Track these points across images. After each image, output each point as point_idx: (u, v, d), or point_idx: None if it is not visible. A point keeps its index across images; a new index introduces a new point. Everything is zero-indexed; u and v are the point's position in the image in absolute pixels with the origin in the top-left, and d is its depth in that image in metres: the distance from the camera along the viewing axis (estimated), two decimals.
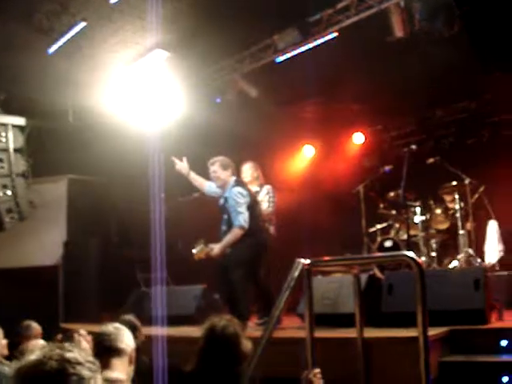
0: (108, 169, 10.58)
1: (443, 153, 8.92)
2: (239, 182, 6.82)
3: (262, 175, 7.72)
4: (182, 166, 7.01)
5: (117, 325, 3.56)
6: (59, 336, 4.26)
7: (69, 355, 1.72)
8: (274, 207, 7.57)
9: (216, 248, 6.55)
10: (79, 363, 1.72)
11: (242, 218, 6.45)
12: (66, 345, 1.76)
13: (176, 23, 8.31)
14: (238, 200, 6.51)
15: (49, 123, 10.62)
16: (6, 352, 5.07)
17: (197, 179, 7.10)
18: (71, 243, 10.42)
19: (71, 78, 9.42)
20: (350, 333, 4.49)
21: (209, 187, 7.04)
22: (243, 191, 6.61)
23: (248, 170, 7.58)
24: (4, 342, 5.09)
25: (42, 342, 3.97)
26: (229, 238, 6.51)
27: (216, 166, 6.74)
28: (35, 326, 5.95)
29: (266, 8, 7.89)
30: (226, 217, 6.66)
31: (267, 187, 7.62)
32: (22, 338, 5.34)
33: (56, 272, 10.32)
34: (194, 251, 6.67)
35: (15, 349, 4.08)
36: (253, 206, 6.70)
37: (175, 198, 9.07)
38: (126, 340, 3.41)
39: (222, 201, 6.76)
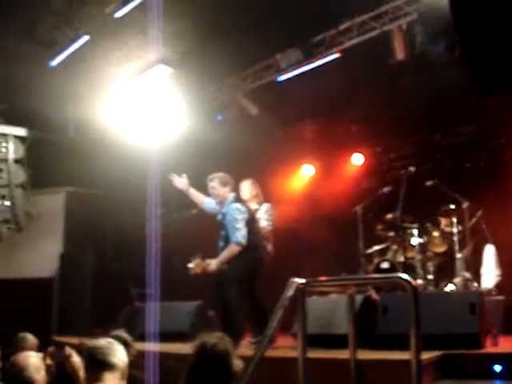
0: (107, 182, 10.60)
1: (441, 176, 8.92)
2: (238, 199, 6.82)
3: (261, 193, 7.72)
4: (182, 182, 7.02)
5: (110, 339, 3.54)
6: (51, 348, 4.23)
7: None
8: (273, 225, 7.57)
9: (213, 263, 6.54)
10: None
11: (240, 235, 6.44)
12: None
13: (179, 40, 8.36)
14: (236, 216, 6.51)
15: (49, 135, 10.65)
16: None
17: (196, 195, 7.10)
18: (67, 256, 10.41)
19: (73, 90, 9.46)
20: (344, 354, 4.46)
21: (208, 203, 7.04)
22: (241, 207, 6.61)
23: (247, 188, 7.59)
24: None
25: (32, 353, 3.94)
26: (226, 253, 6.50)
27: (215, 182, 6.75)
28: (31, 338, 5.92)
29: (269, 27, 7.95)
30: (223, 233, 6.66)
31: (266, 205, 7.62)
32: (18, 350, 5.32)
33: (51, 284, 10.30)
34: (190, 266, 6.65)
35: (7, 360, 4.04)
36: (251, 222, 6.69)
37: (172, 213, 9.07)
38: (119, 355, 3.39)
39: (220, 216, 6.75)
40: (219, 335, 3.62)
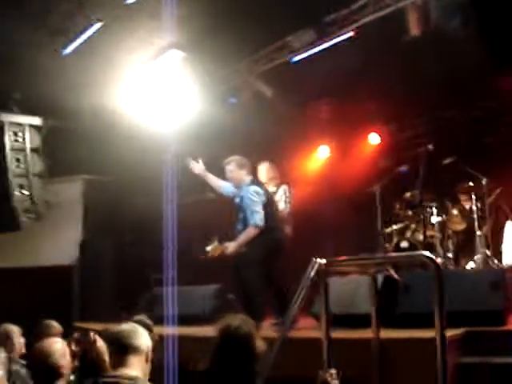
0: (123, 169, 10.61)
1: (460, 153, 8.83)
2: (255, 181, 6.83)
3: (278, 175, 7.70)
4: (198, 166, 7.02)
5: (132, 324, 3.56)
6: (76, 334, 4.27)
7: None
8: (291, 207, 7.55)
9: (231, 246, 6.55)
10: None
11: (258, 217, 6.44)
12: None
13: (191, 23, 8.31)
14: (254, 199, 6.50)
15: (65, 123, 10.68)
16: (23, 351, 5.10)
17: (213, 179, 7.11)
18: (86, 243, 10.48)
19: (87, 78, 9.45)
20: (366, 333, 4.45)
21: (225, 187, 7.04)
22: (259, 190, 6.61)
23: (264, 171, 7.58)
24: (21, 340, 5.12)
25: (57, 339, 3.97)
26: (244, 236, 6.51)
27: (232, 166, 6.75)
28: (55, 325, 5.98)
29: (282, 8, 7.87)
30: (241, 216, 6.66)
31: (284, 187, 7.61)
32: (42, 337, 5.37)
33: (71, 271, 10.38)
34: (207, 249, 6.68)
35: (31, 347, 4.08)
36: (269, 205, 6.68)
37: (190, 197, 9.06)
38: (142, 338, 3.41)
39: (237, 200, 6.75)
40: (243, 317, 3.63)
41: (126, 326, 3.47)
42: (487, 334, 4.99)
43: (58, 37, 8.53)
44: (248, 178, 6.75)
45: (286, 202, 7.50)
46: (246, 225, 6.56)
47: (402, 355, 4.54)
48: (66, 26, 8.45)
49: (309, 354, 4.48)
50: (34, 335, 5.51)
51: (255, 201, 6.50)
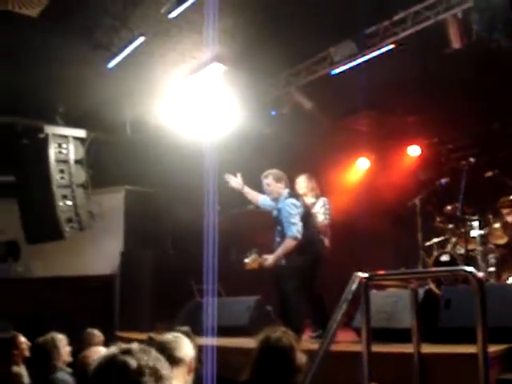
0: (165, 180, 10.76)
1: (501, 166, 8.74)
2: (292, 194, 6.87)
3: (318, 187, 7.72)
4: (236, 181, 7.09)
5: (176, 334, 3.61)
6: (119, 344, 4.34)
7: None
8: (330, 219, 7.56)
9: (270, 259, 6.59)
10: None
11: (296, 229, 6.47)
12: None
13: (233, 37, 8.41)
14: (291, 211, 6.54)
15: (107, 135, 10.88)
16: (69, 359, 5.20)
17: (251, 193, 7.17)
18: (128, 253, 10.62)
19: (129, 91, 9.64)
20: (407, 348, 4.44)
21: (263, 200, 7.09)
22: (296, 202, 6.65)
23: (303, 182, 7.61)
24: (67, 348, 5.22)
25: (102, 348, 4.05)
26: (282, 248, 6.54)
27: (269, 179, 6.81)
28: (98, 334, 6.10)
29: (322, 20, 7.92)
30: (279, 228, 6.70)
31: (323, 199, 7.62)
32: (85, 345, 5.48)
33: (113, 281, 10.54)
34: (246, 261, 6.74)
35: (77, 356, 4.18)
36: (306, 217, 6.73)
37: (230, 209, 9.13)
38: (185, 349, 3.45)
39: (275, 212, 6.80)
40: (283, 329, 3.66)
41: (170, 336, 3.52)
42: None
43: (102, 51, 8.70)
44: (286, 191, 6.81)
45: (325, 214, 7.51)
46: (283, 237, 6.60)
47: (443, 371, 4.51)
48: (110, 40, 8.62)
49: (349, 368, 4.48)
50: (78, 344, 5.64)
51: (292, 213, 6.54)
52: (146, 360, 1.82)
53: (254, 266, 6.77)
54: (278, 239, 6.74)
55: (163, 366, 1.84)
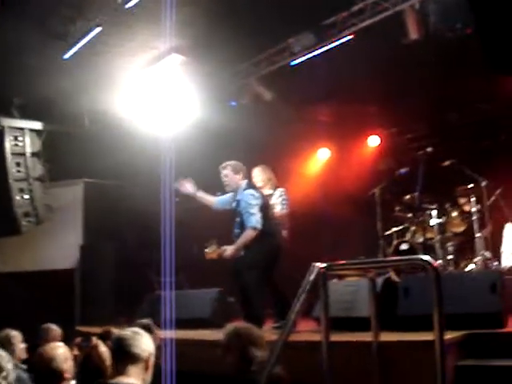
0: (123, 172, 10.65)
1: (459, 155, 8.86)
2: (251, 185, 6.86)
3: (275, 178, 7.71)
4: (188, 186, 7.01)
5: (135, 329, 3.55)
6: (78, 339, 4.29)
7: None
8: (288, 210, 7.56)
9: (229, 249, 6.56)
10: None
11: (255, 219, 6.45)
12: None
13: (191, 27, 8.35)
14: (250, 202, 6.52)
15: (65, 127, 10.71)
16: (24, 356, 5.11)
17: (204, 198, 7.11)
18: (87, 246, 10.50)
19: (87, 82, 9.50)
20: (366, 337, 4.47)
21: (217, 203, 7.08)
22: (255, 193, 6.64)
23: (259, 174, 7.57)
24: (22, 345, 5.13)
25: (60, 344, 3.98)
26: (241, 239, 6.52)
27: (228, 170, 6.78)
28: (55, 328, 5.99)
29: (281, 12, 7.91)
30: (238, 220, 6.67)
31: (280, 190, 7.62)
32: (42, 341, 5.39)
33: (72, 275, 10.42)
34: (206, 250, 6.71)
35: (33, 352, 4.10)
36: (265, 208, 6.71)
37: (189, 201, 9.08)
38: (143, 345, 3.39)
39: (234, 204, 6.78)
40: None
41: (127, 332, 3.47)
42: (486, 337, 4.99)
43: (58, 41, 8.55)
44: (244, 182, 6.78)
45: (282, 204, 7.51)
46: (243, 228, 6.57)
47: (402, 358, 4.55)
48: (66, 30, 8.49)
49: (309, 358, 4.50)
50: (36, 339, 5.54)
51: (252, 204, 6.51)
52: None
53: (213, 255, 6.75)
54: (237, 230, 6.71)
55: (4, 358, 1.89)
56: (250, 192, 6.61)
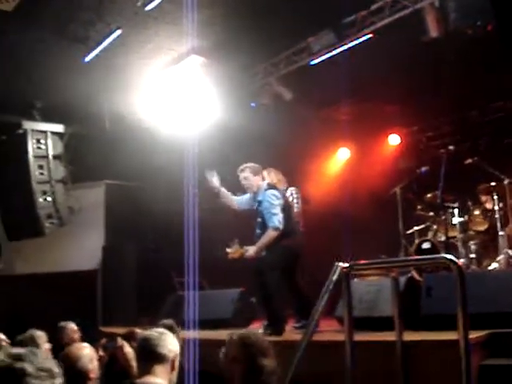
0: (144, 173, 10.70)
1: (481, 153, 8.81)
2: (272, 185, 6.82)
3: (283, 178, 7.69)
4: (214, 179, 6.93)
5: (160, 329, 3.57)
6: (103, 340, 4.32)
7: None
8: (299, 208, 7.57)
9: (251, 249, 6.55)
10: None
11: (277, 219, 6.43)
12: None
13: (211, 29, 8.37)
14: (272, 202, 6.49)
15: (86, 129, 10.78)
16: (49, 356, 5.15)
17: (226, 196, 7.05)
18: (109, 248, 10.56)
19: (107, 84, 9.56)
20: (389, 336, 4.46)
21: (238, 201, 7.02)
22: (277, 193, 6.60)
23: (269, 175, 7.54)
24: (47, 345, 5.18)
25: (86, 344, 4.01)
26: (264, 239, 6.50)
27: (246, 173, 6.73)
28: (71, 326, 6.00)
29: (300, 11, 7.91)
30: (260, 220, 6.65)
31: (291, 189, 7.65)
32: (60, 339, 5.44)
33: (95, 276, 10.47)
34: (228, 250, 6.70)
35: (59, 352, 4.13)
36: (287, 208, 6.69)
37: (211, 201, 9.11)
38: (169, 345, 3.42)
39: (255, 204, 6.75)
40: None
41: (153, 333, 3.49)
42: (510, 336, 4.95)
43: (78, 45, 8.63)
44: (265, 183, 6.76)
45: (295, 203, 7.53)
46: (264, 228, 6.54)
47: (426, 358, 4.53)
48: (86, 34, 8.55)
49: (332, 357, 4.49)
50: (55, 340, 5.58)
51: (274, 204, 6.48)
52: (39, 362, 1.86)
53: (235, 255, 6.73)
54: (258, 231, 6.68)
55: (54, 365, 1.91)
56: (272, 192, 6.59)
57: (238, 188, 7.13)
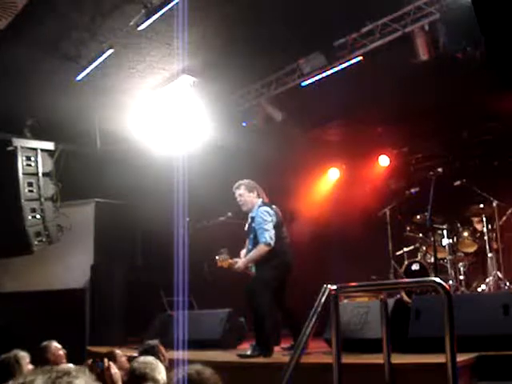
0: (135, 192, 10.68)
1: (470, 175, 8.86)
2: (266, 203, 6.82)
3: (267, 196, 7.68)
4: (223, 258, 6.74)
5: (151, 358, 3.56)
6: (89, 360, 4.27)
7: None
8: None
9: (240, 262, 6.54)
10: None
11: (268, 235, 6.43)
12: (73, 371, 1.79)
13: (202, 49, 8.42)
14: (265, 218, 6.51)
15: (77, 147, 10.77)
16: None
17: (243, 261, 6.74)
18: (98, 267, 10.50)
19: (98, 103, 9.57)
20: (378, 359, 4.45)
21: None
22: (270, 210, 6.62)
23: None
24: (30, 366, 5.11)
25: (71, 365, 3.98)
26: (254, 254, 6.49)
27: (242, 190, 6.78)
28: (54, 346, 5.90)
29: (292, 33, 7.97)
30: (252, 236, 6.65)
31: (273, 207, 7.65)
32: (47, 360, 5.37)
33: (83, 295, 10.40)
34: (217, 258, 6.63)
35: None
36: (279, 226, 6.69)
37: (201, 221, 9.10)
38: (163, 373, 3.42)
39: (249, 220, 6.77)
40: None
41: (149, 358, 3.48)
42: (499, 359, 4.96)
43: (70, 63, 8.64)
44: (259, 200, 6.79)
45: None
46: (256, 244, 6.54)
47: (414, 381, 4.53)
48: (79, 52, 8.56)
49: (320, 380, 4.48)
50: (41, 359, 5.49)
51: (266, 220, 6.50)
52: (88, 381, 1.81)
53: (224, 264, 6.66)
54: (250, 247, 6.69)
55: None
56: (264, 209, 6.60)
57: (226, 205, 7.13)
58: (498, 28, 5.46)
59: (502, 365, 4.92)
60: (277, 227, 6.60)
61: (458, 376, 3.45)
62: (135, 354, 4.93)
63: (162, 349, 5.01)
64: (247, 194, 6.77)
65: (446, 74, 8.27)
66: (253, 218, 6.67)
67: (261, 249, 6.44)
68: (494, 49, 6.03)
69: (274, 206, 6.78)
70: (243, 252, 6.87)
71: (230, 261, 6.61)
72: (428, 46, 7.78)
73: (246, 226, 6.83)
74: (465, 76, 8.12)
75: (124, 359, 4.53)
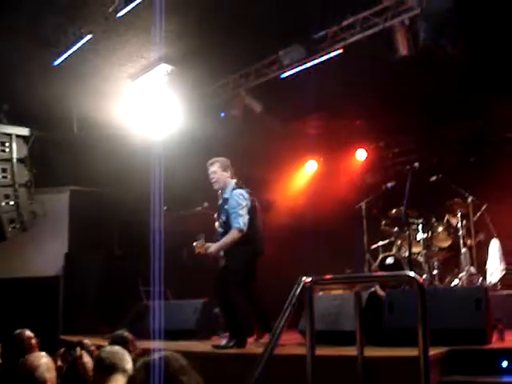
0: (111, 180, 10.59)
1: (446, 171, 8.93)
2: (241, 185, 6.52)
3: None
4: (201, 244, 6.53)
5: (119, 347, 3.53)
6: (61, 350, 4.25)
7: None
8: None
9: (212, 247, 6.31)
10: None
11: (242, 221, 6.19)
12: None
13: (182, 38, 8.37)
14: (240, 202, 6.26)
15: (53, 134, 10.65)
16: None
17: (215, 245, 6.50)
18: (72, 254, 10.43)
19: (76, 89, 9.47)
20: (351, 351, 4.47)
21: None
22: (245, 194, 6.35)
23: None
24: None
25: (43, 353, 3.93)
26: (227, 239, 6.25)
27: (215, 167, 6.50)
28: (27, 334, 5.84)
29: (272, 24, 7.95)
30: (223, 218, 6.38)
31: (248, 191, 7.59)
32: (20, 347, 5.32)
33: (57, 283, 10.32)
34: (194, 244, 6.50)
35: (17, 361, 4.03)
36: (253, 211, 6.43)
37: (178, 210, 9.05)
38: (130, 363, 3.40)
39: (220, 201, 6.53)
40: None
41: (117, 347, 3.46)
42: (471, 353, 5.01)
43: (48, 48, 8.53)
44: (233, 181, 6.49)
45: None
46: (227, 228, 6.31)
47: (386, 373, 4.56)
48: (57, 37, 8.46)
49: (293, 371, 4.48)
50: (14, 347, 5.45)
51: (241, 204, 6.25)
52: None
53: (200, 250, 6.54)
54: (220, 230, 6.44)
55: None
56: (240, 191, 6.34)
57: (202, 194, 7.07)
58: (477, 25, 5.51)
59: (473, 359, 4.98)
60: (250, 212, 6.35)
61: (430, 369, 3.48)
62: (106, 344, 4.89)
63: (132, 339, 4.98)
64: (220, 172, 6.47)
65: (426, 69, 8.30)
66: (226, 200, 6.40)
67: (234, 234, 6.20)
68: (472, 45, 6.09)
69: (248, 189, 6.54)
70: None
71: (204, 246, 6.44)
72: (408, 41, 7.80)
73: (218, 204, 6.58)
74: (444, 72, 8.16)
75: (93, 348, 4.49)
